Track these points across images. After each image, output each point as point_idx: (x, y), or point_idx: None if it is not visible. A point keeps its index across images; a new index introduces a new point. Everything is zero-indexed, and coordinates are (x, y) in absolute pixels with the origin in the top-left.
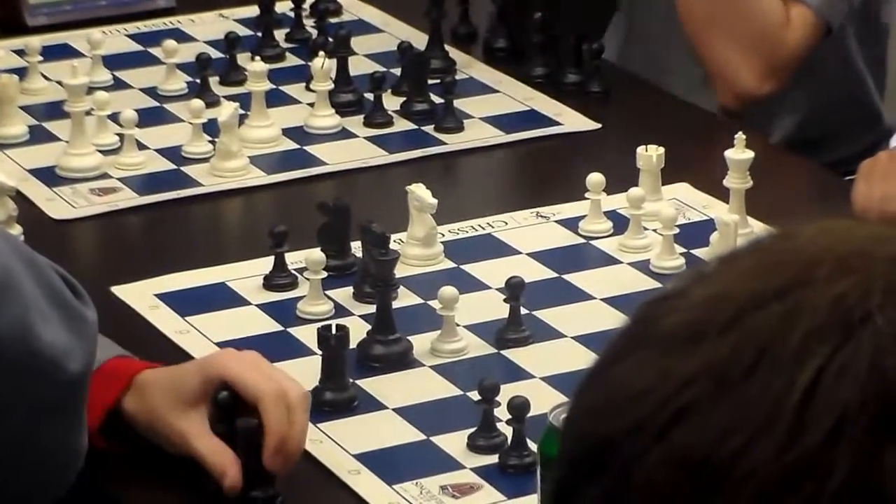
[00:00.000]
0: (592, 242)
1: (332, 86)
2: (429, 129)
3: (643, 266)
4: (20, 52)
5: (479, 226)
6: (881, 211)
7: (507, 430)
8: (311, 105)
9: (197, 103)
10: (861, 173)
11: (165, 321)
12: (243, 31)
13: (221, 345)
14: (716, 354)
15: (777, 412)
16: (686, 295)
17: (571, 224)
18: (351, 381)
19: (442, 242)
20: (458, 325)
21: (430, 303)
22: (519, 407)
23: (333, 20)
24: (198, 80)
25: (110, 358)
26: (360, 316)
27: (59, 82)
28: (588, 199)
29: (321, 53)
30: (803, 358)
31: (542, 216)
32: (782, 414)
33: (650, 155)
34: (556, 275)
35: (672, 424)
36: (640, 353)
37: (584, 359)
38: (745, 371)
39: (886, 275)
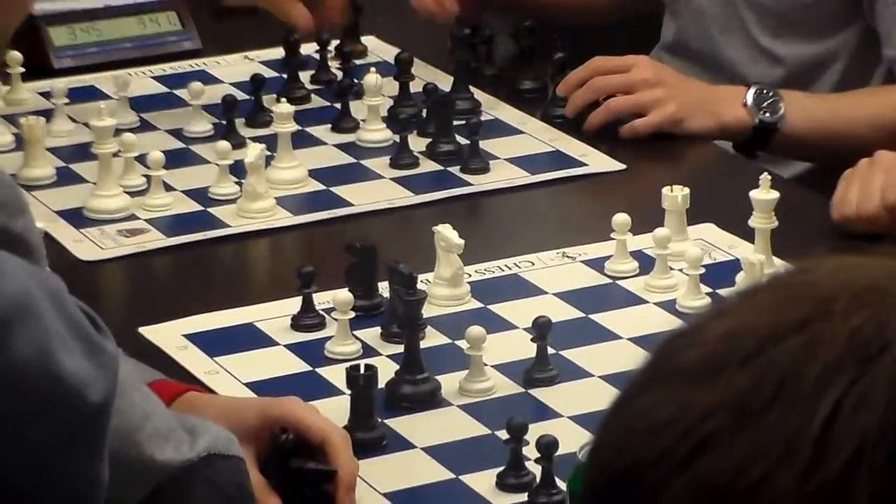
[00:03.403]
0: (618, 282)
1: (384, 100)
2: (455, 169)
3: (669, 306)
4: (46, 95)
5: (506, 266)
6: (857, 213)
7: (536, 469)
8: (363, 121)
9: (223, 145)
10: (842, 180)
11: (194, 362)
12: (269, 73)
13: (250, 385)
14: (736, 386)
15: (797, 442)
16: (706, 329)
17: (597, 264)
18: (379, 420)
19: (469, 283)
20: (485, 365)
21: (457, 342)
22: (547, 445)
23: (358, 62)
24: (224, 122)
25: (152, 381)
26: (387, 356)
27: (85, 124)
28: (614, 239)
29: (372, 69)
30: (822, 389)
31: (568, 256)
32: (802, 444)
33: (675, 195)
34: (582, 314)
35: (695, 454)
36: (662, 386)
37: (610, 398)
38: (766, 402)
39: None
